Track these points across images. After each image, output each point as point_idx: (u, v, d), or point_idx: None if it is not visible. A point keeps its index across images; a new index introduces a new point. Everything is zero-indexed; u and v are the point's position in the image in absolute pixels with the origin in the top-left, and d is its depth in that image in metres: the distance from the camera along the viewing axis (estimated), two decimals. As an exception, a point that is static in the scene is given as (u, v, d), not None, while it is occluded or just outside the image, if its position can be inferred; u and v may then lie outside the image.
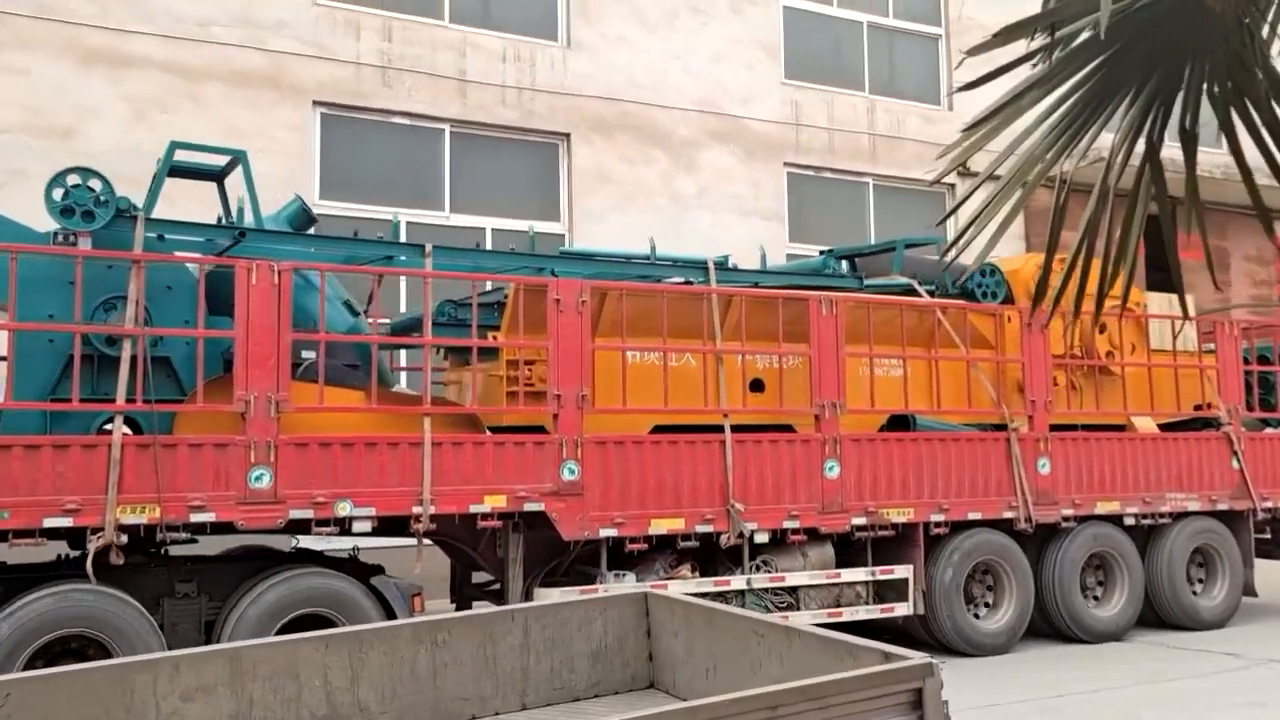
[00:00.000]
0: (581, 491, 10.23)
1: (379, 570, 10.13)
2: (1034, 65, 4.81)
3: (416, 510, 9.60)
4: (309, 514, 9.34)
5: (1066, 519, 12.48)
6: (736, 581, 10.79)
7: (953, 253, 5.33)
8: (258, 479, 9.15)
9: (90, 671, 5.30)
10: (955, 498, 11.85)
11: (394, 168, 17.63)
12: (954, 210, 6.00)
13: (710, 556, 11.07)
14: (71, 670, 5.34)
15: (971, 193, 5.29)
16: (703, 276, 11.72)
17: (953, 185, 22.16)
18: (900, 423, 12.13)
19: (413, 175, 17.82)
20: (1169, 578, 13.10)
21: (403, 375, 13.68)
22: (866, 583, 11.50)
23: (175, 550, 9.85)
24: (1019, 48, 4.76)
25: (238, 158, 10.37)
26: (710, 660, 5.72)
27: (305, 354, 10.01)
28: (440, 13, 18.32)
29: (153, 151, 14.20)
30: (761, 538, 11.01)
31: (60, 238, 9.17)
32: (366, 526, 9.60)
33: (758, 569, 11.07)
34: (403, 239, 15.32)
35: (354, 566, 10.07)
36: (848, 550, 11.64)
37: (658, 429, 10.84)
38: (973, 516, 11.96)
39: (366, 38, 17.38)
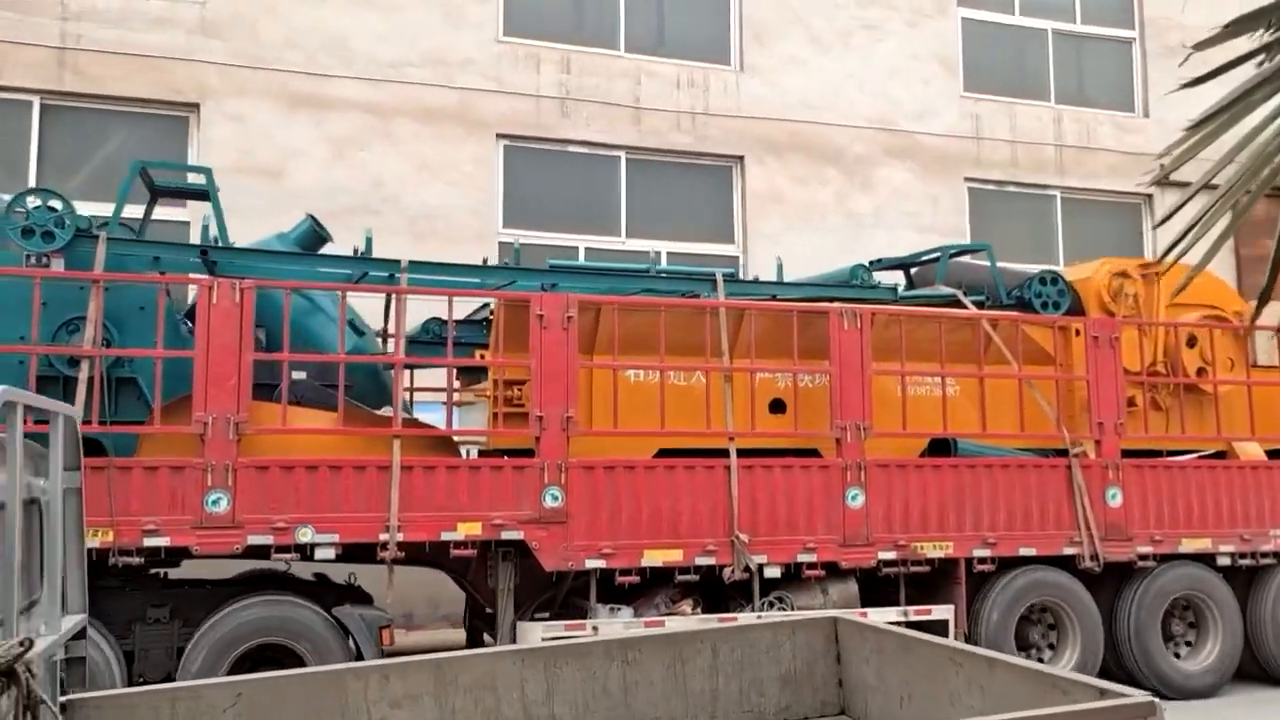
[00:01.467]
0: (565, 519, 9.54)
1: (366, 598, 9.72)
2: (1258, 65, 4.55)
3: (383, 537, 9.11)
4: (269, 540, 8.98)
5: (1144, 558, 10.98)
6: (744, 619, 9.85)
7: (1166, 261, 4.89)
8: (215, 503, 8.85)
9: (310, 676, 5.59)
10: (1005, 531, 10.59)
11: (573, 196, 17.61)
12: (1167, 218, 5.36)
13: (719, 592, 10.21)
14: (293, 674, 5.57)
15: (1188, 200, 4.89)
16: (718, 289, 10.83)
17: (1149, 195, 20.58)
18: (944, 448, 10.95)
19: (590, 202, 17.74)
20: (1275, 625, 11.38)
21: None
22: (899, 624, 10.36)
23: (175, 574, 9.68)
24: (1239, 46, 4.57)
25: (206, 174, 10.15)
26: (904, 689, 5.53)
27: (296, 375, 9.73)
28: (616, 43, 18.25)
29: (350, 187, 15.56)
30: (772, 572, 10.06)
31: (34, 259, 9.10)
32: (330, 554, 9.16)
33: (770, 606, 10.13)
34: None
35: (338, 594, 9.66)
36: (878, 588, 10.58)
37: (662, 453, 10.06)
38: (1026, 552, 10.66)
39: (546, 70, 17.48)
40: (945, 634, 10.33)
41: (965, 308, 11.30)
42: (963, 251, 12.49)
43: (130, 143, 15.31)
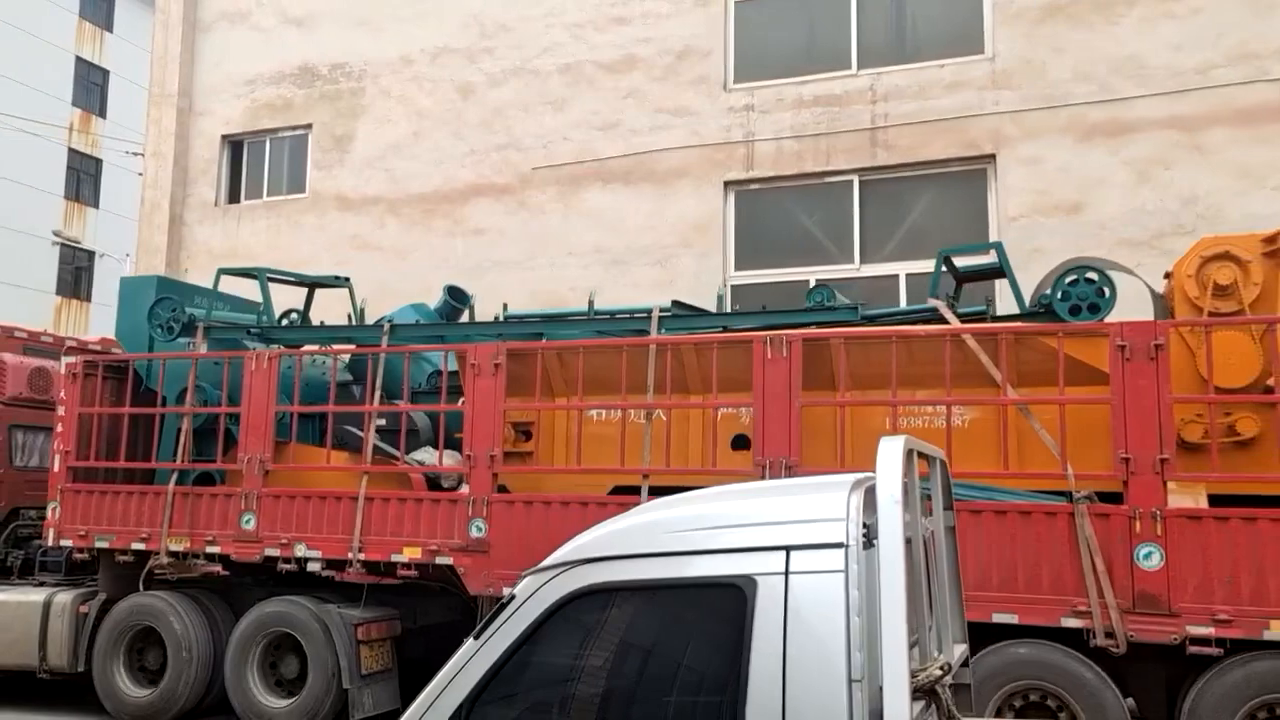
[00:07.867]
0: (488, 549, 8.90)
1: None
2: None
3: (350, 555, 9.48)
4: (277, 552, 9.85)
5: (1200, 641, 7.01)
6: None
7: None
8: (246, 522, 9.93)
9: None
10: (972, 590, 7.39)
11: None
12: None
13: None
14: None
15: None
16: (668, 325, 9.17)
17: None
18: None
19: None
20: None
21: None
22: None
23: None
24: None
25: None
26: None
27: (378, 423, 10.29)
28: None
29: (1156, 211, 13.96)
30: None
31: (189, 344, 10.87)
32: (317, 566, 9.75)
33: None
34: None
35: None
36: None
37: (617, 490, 8.84)
38: (1003, 619, 7.44)
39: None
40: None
41: (949, 322, 8.24)
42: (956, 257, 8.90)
43: (934, 202, 15.38)
